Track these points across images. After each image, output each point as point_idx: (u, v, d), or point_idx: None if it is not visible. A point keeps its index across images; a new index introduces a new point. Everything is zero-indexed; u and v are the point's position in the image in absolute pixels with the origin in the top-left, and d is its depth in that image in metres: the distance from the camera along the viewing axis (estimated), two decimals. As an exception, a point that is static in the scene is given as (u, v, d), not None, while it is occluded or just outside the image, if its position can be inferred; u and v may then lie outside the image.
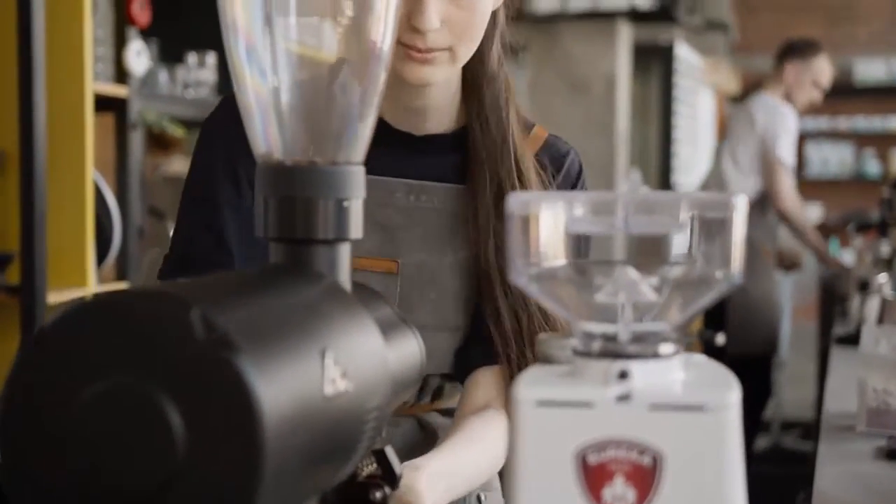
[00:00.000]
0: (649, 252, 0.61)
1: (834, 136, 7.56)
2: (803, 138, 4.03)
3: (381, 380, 0.63)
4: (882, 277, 2.59)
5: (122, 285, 2.89)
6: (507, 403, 0.99)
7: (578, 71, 4.98)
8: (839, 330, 3.12)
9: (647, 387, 0.57)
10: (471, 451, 1.12)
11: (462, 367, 1.23)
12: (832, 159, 7.60)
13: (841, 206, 6.99)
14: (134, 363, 0.49)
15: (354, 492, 0.68)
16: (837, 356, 2.55)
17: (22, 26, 2.33)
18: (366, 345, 0.62)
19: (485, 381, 1.20)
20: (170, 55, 3.35)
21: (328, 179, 0.63)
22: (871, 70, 7.42)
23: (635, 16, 5.11)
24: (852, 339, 2.33)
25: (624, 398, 0.57)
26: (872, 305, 2.39)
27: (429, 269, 1.19)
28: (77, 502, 0.50)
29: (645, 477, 0.56)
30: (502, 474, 1.23)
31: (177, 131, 3.17)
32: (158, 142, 4.06)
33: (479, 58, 1.19)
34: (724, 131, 5.17)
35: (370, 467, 0.70)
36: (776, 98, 4.07)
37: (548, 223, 0.60)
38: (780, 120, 3.98)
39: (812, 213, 6.38)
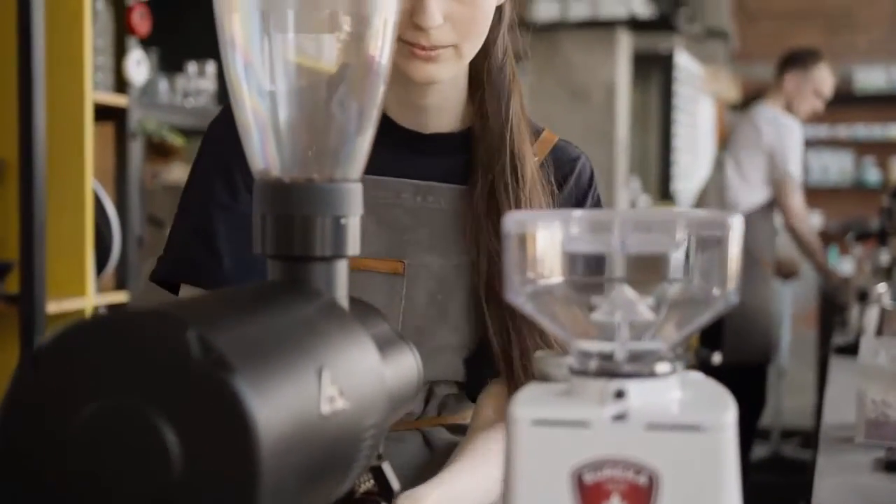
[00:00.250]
0: (646, 271, 0.61)
1: (834, 144, 7.57)
2: (803, 146, 4.04)
3: (378, 397, 0.63)
4: (881, 287, 2.59)
5: (121, 294, 2.89)
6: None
7: (578, 79, 4.99)
8: (838, 340, 3.11)
9: (644, 406, 0.57)
10: (475, 476, 1.11)
11: (473, 380, 1.21)
12: (832, 167, 7.60)
13: (840, 214, 6.98)
14: (130, 383, 0.49)
15: (352, 509, 0.68)
16: (836, 366, 2.54)
17: (22, 35, 2.34)
18: (362, 362, 0.62)
19: (496, 392, 1.19)
20: (170, 64, 3.35)
21: (326, 197, 0.63)
22: (870, 78, 7.44)
23: (635, 24, 5.12)
24: (851, 349, 2.33)
25: (620, 417, 0.57)
26: (871, 316, 2.38)
27: (435, 271, 1.18)
28: (73, 522, 0.50)
29: (641, 496, 0.56)
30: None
31: (177, 140, 3.17)
32: (158, 151, 4.06)
33: (484, 52, 1.16)
34: (724, 139, 5.18)
35: (367, 483, 0.70)
36: (778, 109, 4.07)
37: (544, 242, 0.60)
38: (787, 133, 3.99)
39: (812, 222, 6.38)
